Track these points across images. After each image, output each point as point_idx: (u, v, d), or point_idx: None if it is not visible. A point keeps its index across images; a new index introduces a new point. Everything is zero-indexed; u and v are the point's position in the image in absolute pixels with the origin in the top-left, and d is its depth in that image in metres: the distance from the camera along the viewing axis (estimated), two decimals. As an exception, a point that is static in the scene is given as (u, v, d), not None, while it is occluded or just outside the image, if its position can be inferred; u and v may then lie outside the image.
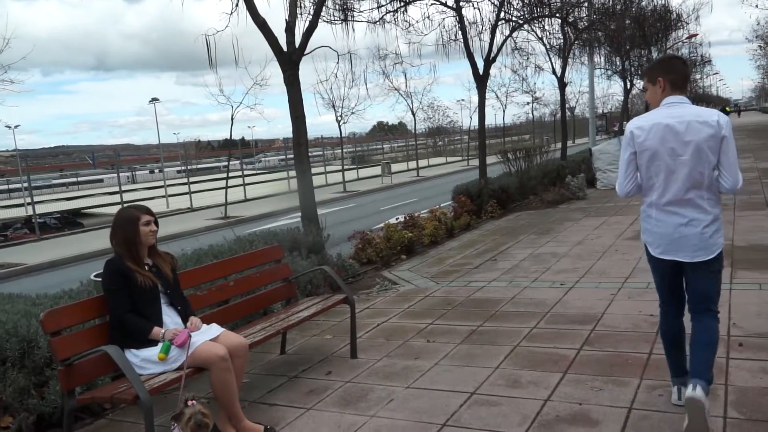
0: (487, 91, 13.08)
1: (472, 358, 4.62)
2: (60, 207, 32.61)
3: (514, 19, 13.47)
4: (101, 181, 53.90)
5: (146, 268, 3.76)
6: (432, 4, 12.21)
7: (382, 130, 77.92)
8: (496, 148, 21.44)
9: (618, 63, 22.80)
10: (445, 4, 12.18)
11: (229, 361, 3.56)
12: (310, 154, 8.60)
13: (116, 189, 24.80)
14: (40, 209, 26.46)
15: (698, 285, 3.31)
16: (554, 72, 18.17)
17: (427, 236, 9.62)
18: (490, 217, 11.99)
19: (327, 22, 9.56)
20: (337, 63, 9.36)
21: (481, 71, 12.50)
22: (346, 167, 30.01)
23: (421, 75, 56.47)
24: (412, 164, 37.41)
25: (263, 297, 5.02)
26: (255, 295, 4.96)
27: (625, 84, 24.29)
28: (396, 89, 31.86)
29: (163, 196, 27.67)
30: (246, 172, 31.95)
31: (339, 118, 26.82)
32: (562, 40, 17.15)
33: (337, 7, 9.75)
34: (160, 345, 3.55)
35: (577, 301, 5.87)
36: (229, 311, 4.62)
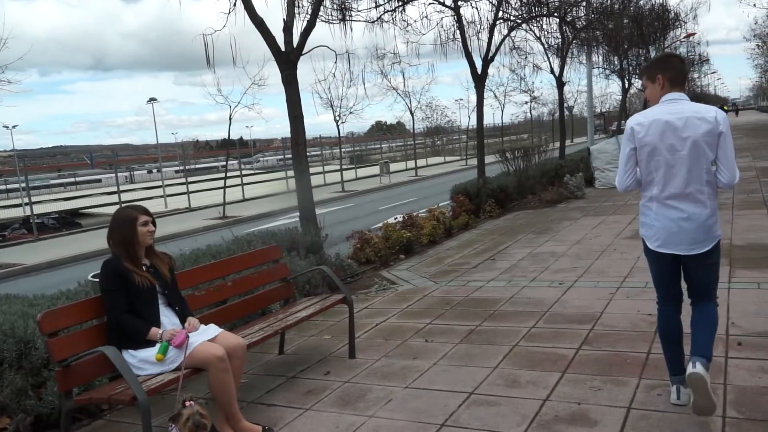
0: (485, 90, 13.10)
1: (471, 358, 4.62)
2: (58, 207, 32.56)
3: (512, 18, 13.48)
4: (99, 181, 53.82)
5: (144, 268, 3.75)
6: (430, 4, 12.22)
7: (380, 130, 77.85)
8: (495, 148, 21.43)
9: (616, 62, 22.84)
10: (443, 4, 12.18)
11: (227, 361, 3.55)
12: (308, 153, 8.60)
13: (114, 189, 24.75)
14: (38, 209, 26.43)
15: (697, 276, 3.40)
16: (552, 71, 18.19)
17: (425, 236, 9.62)
18: (488, 217, 11.99)
19: (325, 21, 9.55)
20: (335, 62, 9.37)
21: (479, 71, 12.50)
22: (344, 167, 29.98)
23: (420, 74, 56.73)
24: (411, 164, 37.40)
25: (261, 297, 5.01)
26: (253, 296, 4.95)
27: (623, 83, 24.32)
28: (394, 89, 31.85)
29: (161, 196, 27.63)
30: (244, 172, 31.90)
31: (337, 118, 26.79)
32: (560, 40, 17.15)
33: (335, 6, 9.74)
34: (157, 346, 3.54)
35: (576, 300, 5.87)
36: (227, 311, 4.61)
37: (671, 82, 3.34)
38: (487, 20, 12.73)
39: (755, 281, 5.86)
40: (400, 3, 11.45)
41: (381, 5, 11.14)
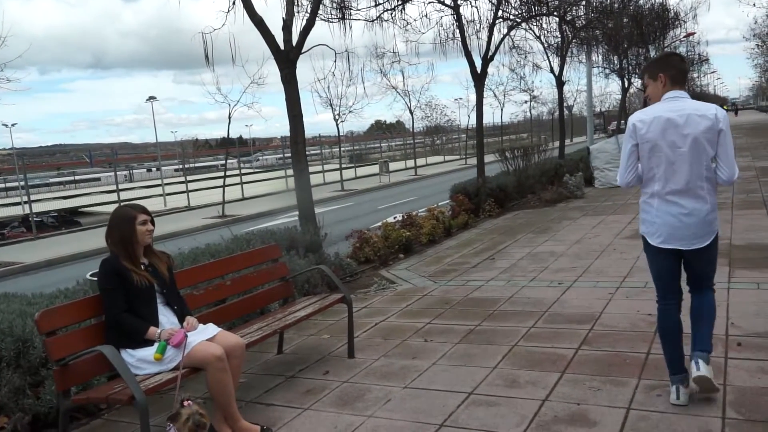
0: (485, 89, 13.07)
1: (470, 358, 4.61)
2: (57, 206, 32.49)
3: (512, 17, 13.46)
4: (98, 179, 53.74)
5: (142, 267, 3.74)
6: (429, 3, 12.20)
7: (379, 129, 77.82)
8: (494, 147, 21.44)
9: (616, 61, 22.82)
10: (442, 3, 12.16)
11: (226, 361, 3.55)
12: (307, 152, 8.58)
13: (113, 188, 24.73)
14: (37, 208, 26.40)
15: (697, 269, 3.52)
16: (552, 70, 18.17)
17: (425, 235, 9.61)
18: (488, 216, 11.98)
19: (324, 20, 9.53)
20: (335, 61, 9.36)
21: (479, 70, 12.48)
22: (343, 166, 29.96)
23: (419, 73, 56.52)
24: (410, 163, 37.39)
25: (260, 296, 5.00)
26: (252, 295, 4.94)
27: (623, 82, 24.30)
28: (394, 88, 31.85)
29: (160, 195, 27.62)
30: (243, 171, 31.88)
31: (336, 117, 26.79)
32: (559, 39, 17.13)
33: (335, 5, 9.72)
34: (156, 345, 3.53)
35: (575, 300, 5.86)
36: (225, 311, 4.60)
37: (672, 81, 3.41)
38: (487, 19, 12.72)
39: (755, 281, 5.85)
40: (400, 2, 11.43)
41: (380, 4, 11.12)
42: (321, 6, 8.46)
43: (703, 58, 33.13)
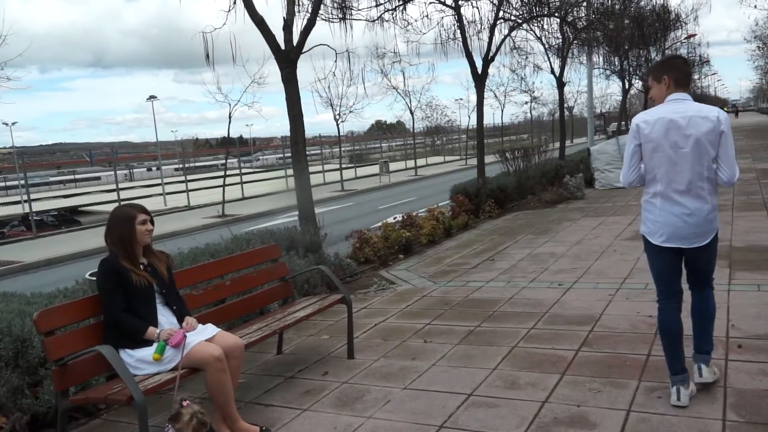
0: (485, 90, 13.06)
1: (470, 359, 4.60)
2: (57, 204, 32.49)
3: (512, 18, 13.44)
4: (99, 178, 53.73)
5: (141, 267, 3.73)
6: (431, 3, 12.19)
7: (380, 129, 77.85)
8: (495, 148, 21.42)
9: (616, 63, 22.81)
10: (443, 3, 12.15)
11: (225, 361, 3.53)
12: (307, 152, 8.57)
13: (113, 187, 24.71)
14: (37, 207, 26.40)
15: (698, 267, 3.61)
16: (553, 71, 18.16)
17: (424, 236, 9.60)
18: (488, 217, 11.97)
19: (325, 20, 9.51)
20: (335, 61, 9.33)
21: (479, 70, 12.48)
22: (343, 166, 29.96)
23: (420, 74, 56.68)
24: (410, 163, 37.38)
25: (260, 297, 4.99)
26: (251, 295, 4.93)
27: (624, 84, 24.30)
28: (394, 88, 31.86)
29: (160, 194, 27.61)
30: (244, 171, 31.86)
31: (337, 117, 26.79)
32: (560, 40, 17.12)
33: (336, 5, 9.71)
34: (155, 345, 3.52)
35: (576, 301, 5.85)
36: (225, 311, 4.59)
37: (676, 83, 3.49)
38: (488, 20, 12.72)
39: (755, 283, 5.84)
40: (401, 2, 11.42)
41: (381, 4, 11.11)
42: (322, 6, 8.45)
43: (704, 59, 33.09)
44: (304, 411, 3.98)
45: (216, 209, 21.05)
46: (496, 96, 37.27)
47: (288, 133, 8.13)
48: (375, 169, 33.48)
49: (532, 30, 15.45)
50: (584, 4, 15.84)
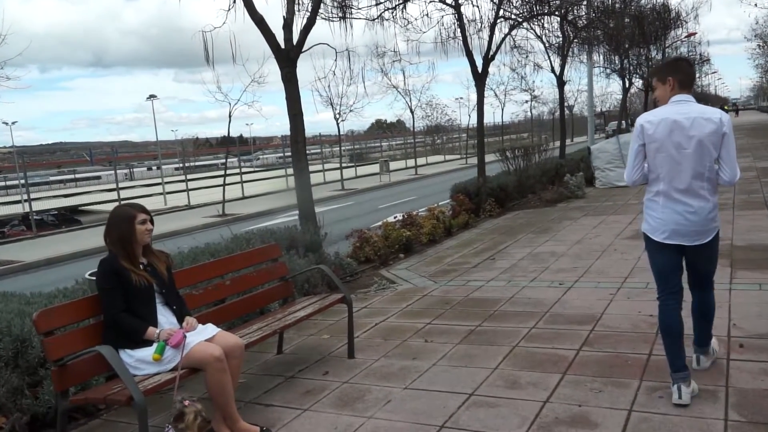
0: (485, 89, 13.04)
1: (471, 359, 4.59)
2: (57, 204, 32.47)
3: (513, 17, 13.43)
4: (99, 178, 53.73)
5: (141, 267, 3.71)
6: (431, 2, 12.18)
7: (380, 128, 77.83)
8: (495, 147, 21.42)
9: (617, 61, 22.80)
10: (444, 2, 12.13)
11: (225, 361, 3.52)
12: (308, 151, 8.56)
13: (114, 186, 24.71)
14: (37, 206, 26.39)
15: (699, 266, 3.69)
16: (553, 70, 18.14)
17: (425, 235, 9.59)
18: (488, 216, 11.96)
19: (325, 19, 9.51)
20: (335, 60, 9.33)
21: (479, 69, 12.46)
22: (344, 165, 29.94)
23: (420, 73, 56.52)
24: (411, 162, 37.38)
25: (260, 296, 4.98)
26: (251, 295, 4.92)
27: (624, 82, 24.28)
28: (394, 87, 31.88)
29: (160, 194, 27.60)
30: (244, 170, 31.87)
31: (337, 116, 26.78)
32: (561, 39, 17.10)
33: (336, 4, 9.70)
34: (154, 345, 3.51)
35: (576, 301, 5.84)
36: (225, 311, 4.58)
37: (681, 85, 3.57)
38: (488, 19, 12.70)
39: (757, 282, 5.83)
40: (401, 1, 11.41)
41: (381, 3, 11.10)
42: (322, 5, 8.43)
43: (705, 58, 33.07)
44: (304, 411, 3.97)
45: (216, 208, 21.05)
46: (496, 95, 37.34)
47: (288, 132, 8.12)
48: (375, 168, 33.49)
49: (532, 29, 15.45)
50: (585, 2, 15.83)
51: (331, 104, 25.92)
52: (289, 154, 10.07)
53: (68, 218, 26.16)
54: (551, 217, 11.32)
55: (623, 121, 28.08)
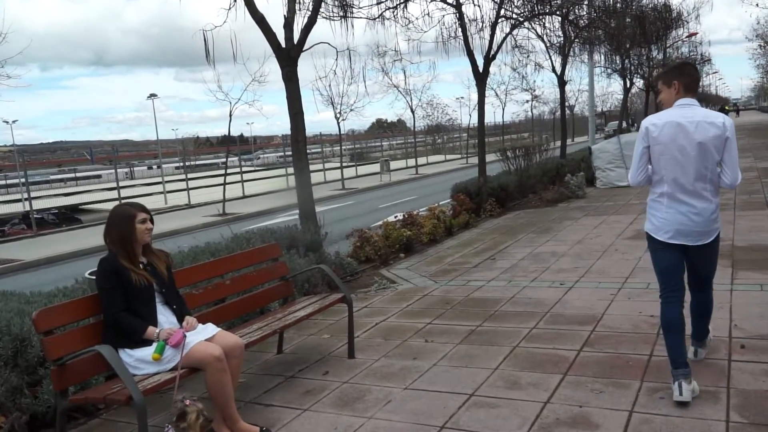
0: (486, 88, 13.02)
1: (471, 359, 4.58)
2: (57, 203, 32.42)
3: (514, 16, 13.40)
4: (99, 176, 53.67)
5: (141, 266, 3.70)
6: (432, 1, 12.22)
7: (381, 128, 77.76)
8: (496, 146, 21.43)
9: (618, 61, 22.77)
10: (445, 1, 12.11)
11: (225, 361, 3.51)
12: (308, 151, 8.56)
13: (114, 185, 24.69)
14: (38, 205, 26.36)
15: (700, 266, 3.78)
16: (554, 70, 18.12)
17: (425, 234, 9.58)
18: (489, 216, 11.95)
19: (326, 18, 9.48)
20: (336, 59, 9.31)
21: (480, 69, 12.44)
22: (344, 164, 29.94)
23: (421, 72, 56.20)
24: (411, 162, 37.38)
25: (260, 296, 4.97)
26: (252, 294, 4.91)
27: (625, 82, 24.26)
28: (395, 86, 31.92)
29: (161, 193, 27.61)
30: (244, 169, 31.86)
31: (338, 115, 26.78)
32: (562, 38, 17.09)
33: (336, 3, 9.67)
34: (154, 345, 3.50)
35: (577, 301, 5.83)
36: (225, 310, 4.57)
37: (686, 89, 3.63)
38: (489, 18, 12.68)
39: (758, 283, 5.81)
40: (402, 0, 11.39)
41: (382, 2, 11.08)
42: (323, 4, 8.42)
43: (706, 58, 33.04)
44: (304, 411, 3.96)
45: (216, 208, 21.04)
46: (497, 94, 37.38)
47: (289, 132, 8.11)
48: (376, 167, 33.49)
49: (533, 28, 15.42)
50: (586, 2, 15.80)
51: (332, 103, 25.95)
52: (290, 153, 10.06)
53: (68, 217, 26.14)
54: (552, 217, 11.31)
55: (624, 121, 28.06)
